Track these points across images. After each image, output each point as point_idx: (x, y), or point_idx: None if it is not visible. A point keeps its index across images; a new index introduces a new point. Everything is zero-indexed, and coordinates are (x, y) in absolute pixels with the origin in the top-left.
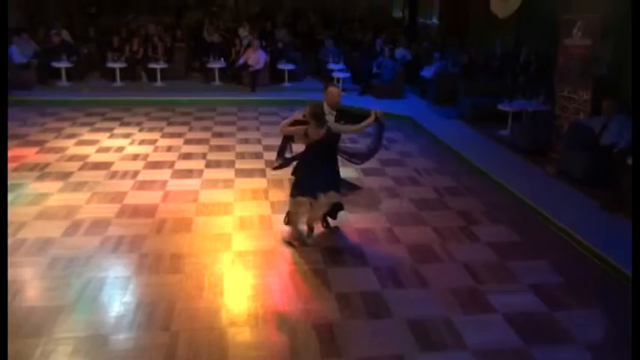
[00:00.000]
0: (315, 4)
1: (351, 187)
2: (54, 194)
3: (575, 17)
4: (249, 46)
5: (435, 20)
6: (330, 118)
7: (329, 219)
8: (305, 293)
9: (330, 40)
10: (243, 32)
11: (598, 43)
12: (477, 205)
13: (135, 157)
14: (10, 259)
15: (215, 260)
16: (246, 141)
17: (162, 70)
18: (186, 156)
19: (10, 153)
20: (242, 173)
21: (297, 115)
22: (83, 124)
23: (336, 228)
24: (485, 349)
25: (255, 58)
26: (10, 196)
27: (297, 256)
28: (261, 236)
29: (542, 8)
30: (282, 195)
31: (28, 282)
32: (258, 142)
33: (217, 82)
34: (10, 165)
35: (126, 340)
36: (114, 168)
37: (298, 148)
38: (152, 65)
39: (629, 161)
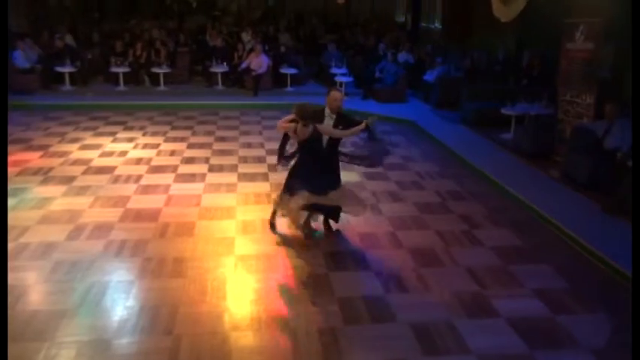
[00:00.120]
0: (317, 8)
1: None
2: (57, 198)
3: (577, 21)
4: (251, 50)
5: (437, 24)
6: (329, 121)
7: (331, 222)
8: (308, 297)
9: (333, 45)
10: (245, 37)
11: (601, 46)
12: (480, 209)
13: (138, 161)
14: (13, 263)
15: (218, 264)
16: (248, 145)
17: (165, 74)
18: (189, 160)
19: (14, 157)
20: (245, 177)
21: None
22: (86, 129)
23: (338, 232)
24: (489, 353)
25: (258, 62)
26: (13, 201)
27: (300, 260)
28: (264, 240)
29: (544, 12)
30: None
31: (31, 286)
32: (261, 146)
33: (220, 87)
34: (14, 169)
35: (129, 344)
36: (117, 172)
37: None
38: (155, 70)
39: (630, 163)
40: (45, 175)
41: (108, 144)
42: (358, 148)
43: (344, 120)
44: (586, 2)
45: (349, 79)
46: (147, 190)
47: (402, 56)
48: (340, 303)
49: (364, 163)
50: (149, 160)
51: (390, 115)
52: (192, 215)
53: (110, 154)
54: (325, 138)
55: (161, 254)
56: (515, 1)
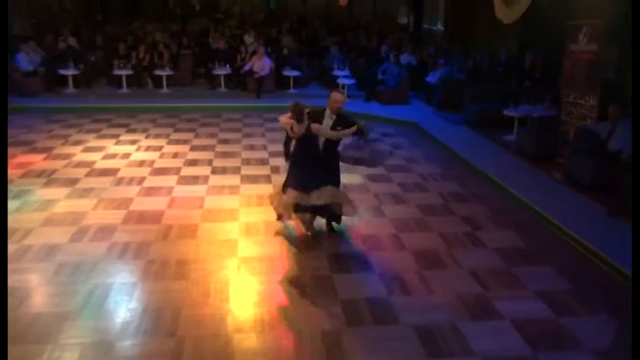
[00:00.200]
0: (320, 11)
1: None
2: (61, 200)
3: (581, 23)
4: (254, 52)
5: (440, 26)
6: (329, 121)
7: (333, 224)
8: (311, 299)
9: (335, 47)
10: (248, 39)
11: (604, 48)
12: (483, 210)
13: (141, 163)
14: (16, 265)
15: (221, 266)
16: (251, 147)
17: (168, 76)
18: (192, 162)
19: (17, 160)
20: (248, 179)
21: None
22: (90, 131)
23: (341, 233)
24: (493, 356)
25: (261, 64)
26: (17, 203)
27: (303, 262)
28: (267, 242)
29: (546, 14)
30: None
31: (35, 288)
32: (264, 148)
33: (223, 89)
34: (18, 171)
35: (132, 346)
36: (120, 174)
37: None
38: (158, 72)
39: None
40: (48, 178)
41: (111, 146)
42: (360, 150)
43: (343, 121)
44: (589, 4)
45: (352, 81)
46: (150, 192)
47: (405, 58)
48: (343, 305)
49: (365, 164)
50: (152, 162)
51: (393, 116)
52: (195, 217)
53: (113, 156)
54: (322, 138)
55: (164, 256)
56: (518, 3)
